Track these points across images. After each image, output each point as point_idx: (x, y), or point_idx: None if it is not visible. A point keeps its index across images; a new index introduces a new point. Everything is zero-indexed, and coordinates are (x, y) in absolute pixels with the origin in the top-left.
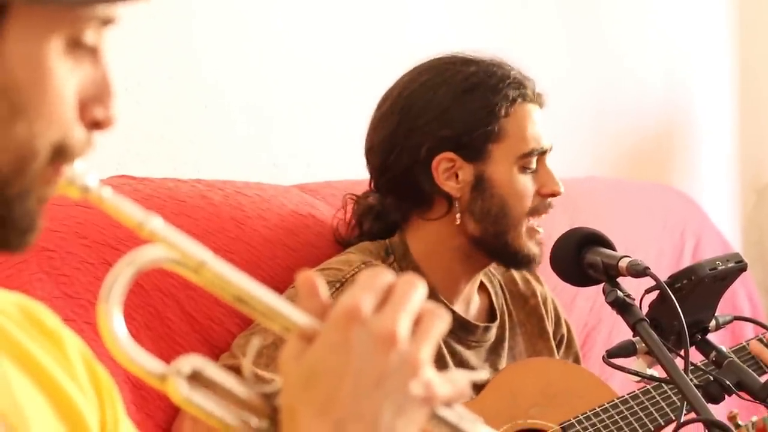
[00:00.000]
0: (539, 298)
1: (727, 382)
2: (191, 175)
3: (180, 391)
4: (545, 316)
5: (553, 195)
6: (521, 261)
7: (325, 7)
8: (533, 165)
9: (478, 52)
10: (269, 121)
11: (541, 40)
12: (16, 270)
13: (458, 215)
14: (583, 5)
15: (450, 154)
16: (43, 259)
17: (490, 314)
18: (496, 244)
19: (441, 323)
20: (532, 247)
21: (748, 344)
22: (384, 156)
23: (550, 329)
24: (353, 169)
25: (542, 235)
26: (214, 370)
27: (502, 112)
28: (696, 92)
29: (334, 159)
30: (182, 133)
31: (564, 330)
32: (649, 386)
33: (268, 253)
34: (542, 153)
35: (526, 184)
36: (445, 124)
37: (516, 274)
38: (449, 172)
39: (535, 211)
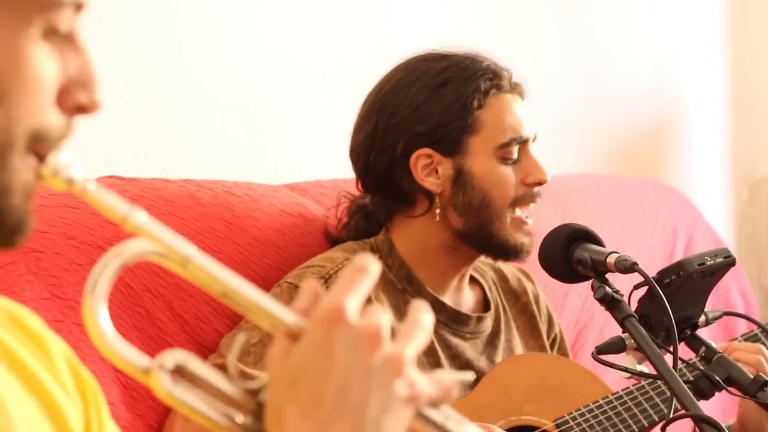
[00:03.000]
0: (530, 296)
1: (717, 378)
2: (180, 175)
3: (163, 385)
4: (537, 314)
5: (539, 183)
6: (509, 251)
7: (314, 5)
8: (514, 155)
9: (454, 48)
10: (258, 120)
11: (531, 36)
12: (5, 271)
13: (438, 210)
14: (573, 1)
15: (427, 150)
16: (32, 261)
17: (484, 306)
18: (481, 235)
19: (425, 322)
20: (519, 237)
21: (741, 339)
22: (365, 156)
23: (543, 328)
24: (343, 168)
25: (530, 225)
26: (198, 365)
27: (476, 103)
28: (687, 87)
29: (323, 157)
30: (171, 132)
31: (557, 329)
32: (643, 382)
33: (258, 252)
34: (522, 142)
35: (507, 174)
36: (419, 120)
37: (507, 272)
38: (429, 168)
39: (520, 201)
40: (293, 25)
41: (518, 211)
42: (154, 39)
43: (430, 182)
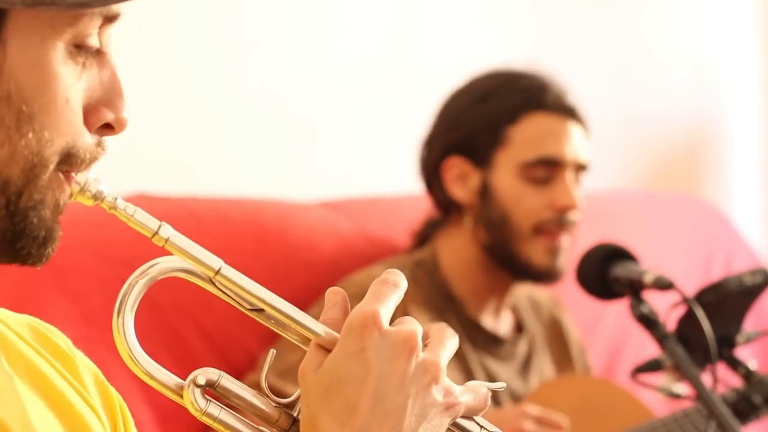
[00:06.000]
0: (563, 324)
1: (759, 397)
2: (209, 191)
3: (197, 403)
4: (569, 343)
5: (565, 209)
6: (535, 274)
7: (345, 20)
8: (539, 175)
9: (525, 66)
10: (289, 136)
11: (566, 48)
12: (32, 289)
13: (466, 221)
14: (610, 10)
15: (458, 159)
16: (59, 278)
17: (519, 330)
18: (504, 253)
19: (453, 336)
20: (545, 260)
21: None
22: (419, 163)
23: (574, 356)
24: (376, 184)
25: (564, 248)
26: (230, 383)
27: (507, 118)
28: (727, 99)
29: (356, 175)
30: (200, 147)
31: (587, 360)
32: (688, 408)
33: (289, 270)
34: (553, 164)
35: (529, 194)
36: (453, 128)
37: (540, 299)
38: (459, 178)
39: (545, 226)
40: (325, 40)
41: (547, 237)
42: (182, 54)
43: (458, 192)
